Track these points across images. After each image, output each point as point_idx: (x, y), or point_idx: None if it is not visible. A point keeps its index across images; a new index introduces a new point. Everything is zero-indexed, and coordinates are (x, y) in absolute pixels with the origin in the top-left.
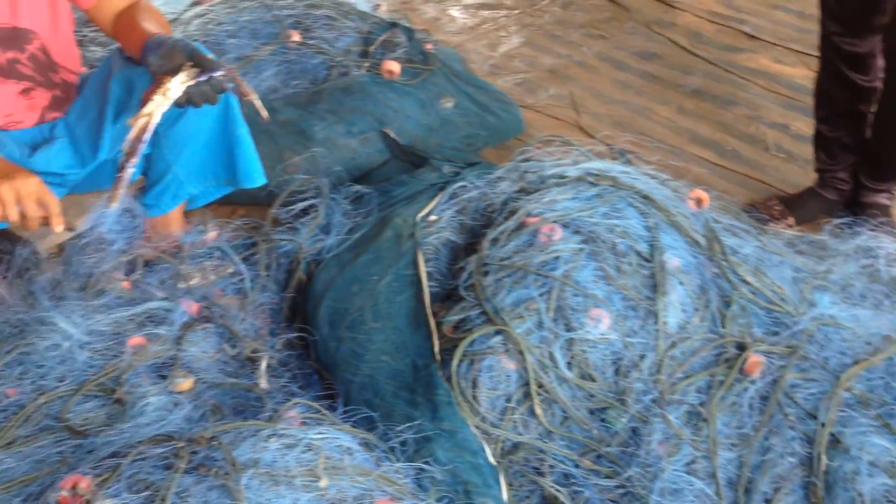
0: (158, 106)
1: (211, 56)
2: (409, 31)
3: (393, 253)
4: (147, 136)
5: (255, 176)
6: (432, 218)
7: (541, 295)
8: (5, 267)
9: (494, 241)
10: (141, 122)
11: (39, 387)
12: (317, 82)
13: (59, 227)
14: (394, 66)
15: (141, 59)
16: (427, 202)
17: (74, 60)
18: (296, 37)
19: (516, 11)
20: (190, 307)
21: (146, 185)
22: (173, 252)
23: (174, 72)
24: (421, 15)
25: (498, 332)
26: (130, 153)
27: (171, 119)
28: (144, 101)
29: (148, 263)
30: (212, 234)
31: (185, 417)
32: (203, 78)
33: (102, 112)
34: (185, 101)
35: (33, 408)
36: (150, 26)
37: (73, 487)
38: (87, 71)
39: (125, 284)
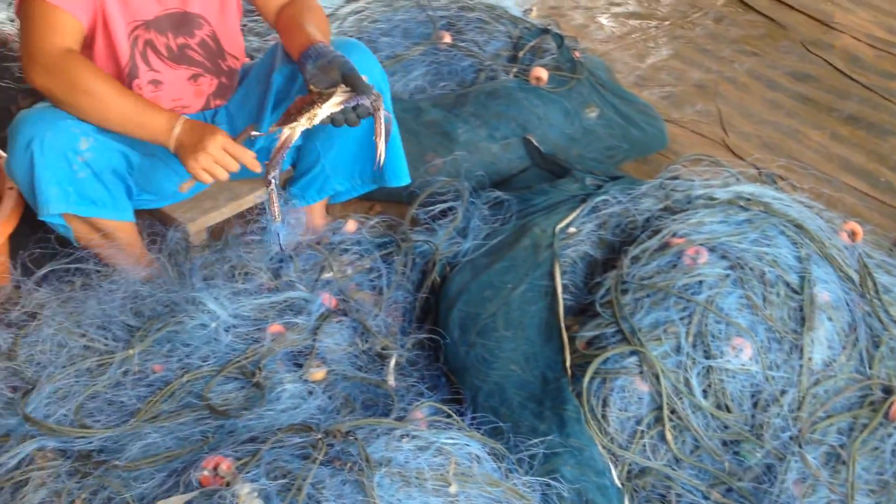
0: (302, 127)
1: (364, 78)
2: (560, 39)
3: (529, 262)
4: (286, 150)
5: (402, 175)
6: (572, 230)
7: (681, 319)
8: (158, 248)
9: (635, 258)
10: (284, 135)
11: (185, 365)
12: (464, 85)
13: (258, 169)
14: (542, 73)
15: (299, 64)
16: (567, 213)
17: (240, 48)
18: (447, 38)
19: (667, 23)
20: (327, 299)
21: (294, 176)
22: (314, 243)
23: (328, 85)
24: (569, 21)
25: (633, 353)
26: (272, 165)
27: None
28: (292, 112)
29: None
30: (350, 227)
31: (318, 407)
32: (351, 104)
33: (263, 103)
34: (328, 121)
35: (178, 384)
36: (313, 31)
37: (215, 468)
38: (249, 62)
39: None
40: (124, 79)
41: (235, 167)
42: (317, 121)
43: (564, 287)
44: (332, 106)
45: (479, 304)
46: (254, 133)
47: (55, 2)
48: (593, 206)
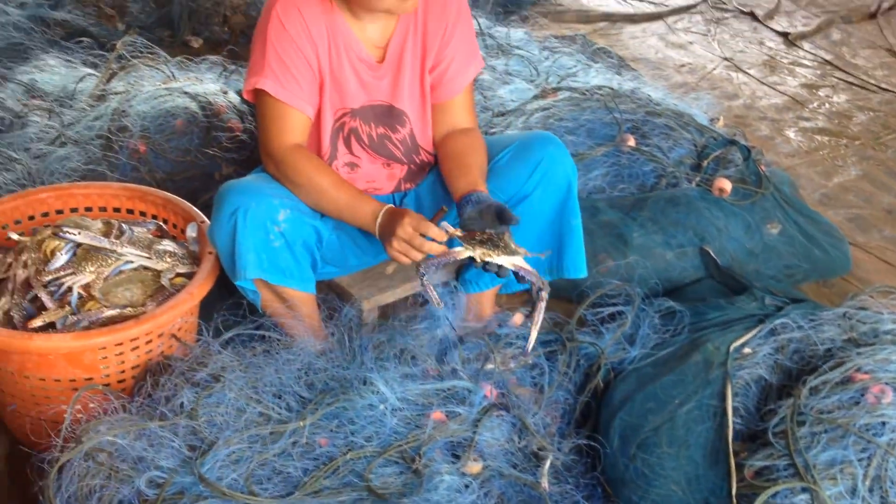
0: (471, 255)
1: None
2: (747, 151)
3: (699, 379)
4: (449, 261)
5: (580, 267)
6: (747, 350)
7: (859, 460)
8: (334, 323)
9: (815, 389)
10: (456, 250)
11: (349, 442)
12: (644, 189)
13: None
14: (725, 185)
15: (457, 204)
16: (743, 332)
17: (431, 144)
18: (631, 141)
19: (857, 142)
20: (489, 391)
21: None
22: (481, 332)
23: (482, 228)
24: (755, 132)
25: (805, 490)
26: (429, 265)
27: (512, 199)
28: (476, 234)
29: (460, 340)
30: (517, 320)
31: (472, 503)
32: (523, 273)
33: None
34: (481, 262)
35: (341, 461)
36: (478, 175)
37: None
38: None
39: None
40: (324, 159)
41: (427, 248)
42: (485, 259)
43: (735, 410)
44: (508, 262)
45: (642, 415)
46: (441, 224)
47: (285, 99)
48: (771, 329)
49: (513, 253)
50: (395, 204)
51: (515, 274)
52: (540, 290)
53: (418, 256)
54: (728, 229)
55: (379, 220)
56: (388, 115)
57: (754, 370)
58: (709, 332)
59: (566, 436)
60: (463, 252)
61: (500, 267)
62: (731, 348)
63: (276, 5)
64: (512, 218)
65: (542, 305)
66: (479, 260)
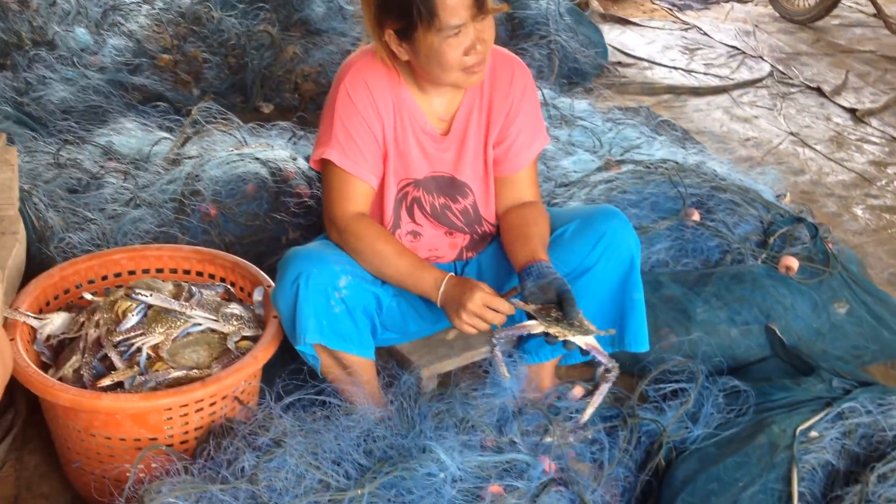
0: (543, 331)
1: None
2: (814, 229)
3: (764, 462)
4: (521, 334)
5: (642, 341)
6: (813, 434)
7: None
8: (394, 390)
9: (883, 477)
10: (528, 324)
11: None
12: (708, 264)
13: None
14: (792, 263)
15: (519, 276)
16: (809, 415)
17: (494, 215)
18: (696, 216)
19: None
20: (549, 466)
21: None
22: (540, 404)
23: (543, 303)
24: (822, 208)
25: None
26: (502, 336)
27: (574, 272)
28: (547, 309)
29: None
30: (577, 393)
31: None
32: (593, 354)
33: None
34: (542, 332)
35: None
36: (539, 245)
37: None
38: None
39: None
40: (387, 227)
41: (497, 321)
42: (556, 336)
43: (801, 495)
44: (582, 341)
45: (705, 497)
46: (512, 300)
47: (349, 169)
48: (839, 412)
49: (586, 331)
50: (456, 272)
51: (580, 348)
52: (608, 370)
53: (485, 328)
54: (794, 308)
55: (442, 288)
56: (451, 187)
57: (821, 454)
58: (774, 414)
59: None
60: (537, 327)
61: (567, 342)
62: (798, 431)
63: (344, 79)
64: (573, 305)
65: (606, 387)
66: (554, 336)
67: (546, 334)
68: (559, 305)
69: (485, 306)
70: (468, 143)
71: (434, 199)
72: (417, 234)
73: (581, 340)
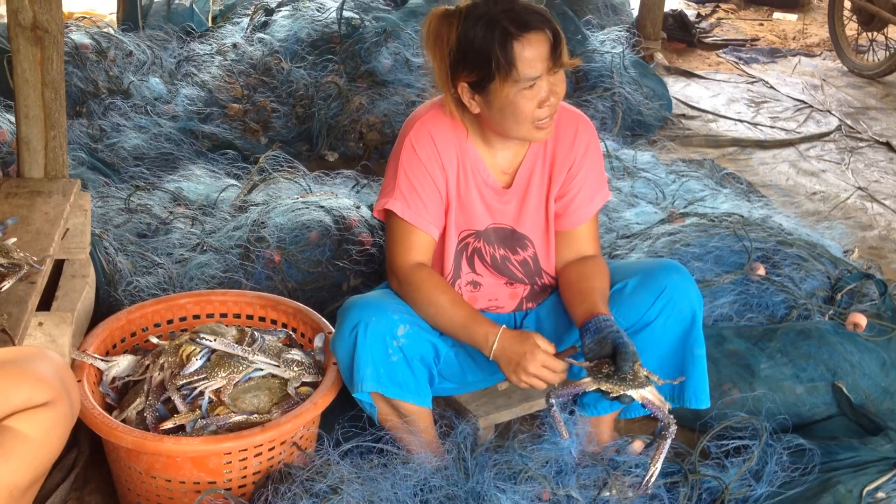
0: (599, 388)
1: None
2: (883, 286)
3: None
4: (579, 392)
5: (702, 398)
6: (880, 495)
7: None
8: (450, 439)
9: None
10: (584, 382)
11: None
12: (773, 320)
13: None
14: (860, 320)
15: (579, 328)
16: (877, 476)
17: (554, 268)
18: (761, 270)
19: None
20: None
21: None
22: (598, 457)
23: (601, 357)
24: (890, 264)
25: None
26: (560, 394)
27: (634, 327)
28: (603, 364)
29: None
30: (636, 448)
31: None
32: (652, 410)
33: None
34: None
35: None
36: (599, 299)
37: None
38: None
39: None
40: (448, 277)
41: (554, 381)
42: (609, 392)
43: None
44: (637, 395)
45: None
46: (568, 359)
47: (411, 220)
48: None
49: (641, 384)
50: (515, 323)
51: (643, 405)
52: (667, 426)
53: (541, 386)
54: (862, 366)
55: (495, 344)
56: (511, 238)
57: None
58: (840, 474)
59: None
60: (591, 384)
61: (622, 396)
62: (864, 492)
63: (410, 132)
64: (626, 359)
65: (666, 444)
66: (607, 392)
67: (600, 390)
68: (613, 359)
69: (543, 367)
70: (530, 197)
71: (494, 251)
72: (478, 285)
73: (636, 394)
